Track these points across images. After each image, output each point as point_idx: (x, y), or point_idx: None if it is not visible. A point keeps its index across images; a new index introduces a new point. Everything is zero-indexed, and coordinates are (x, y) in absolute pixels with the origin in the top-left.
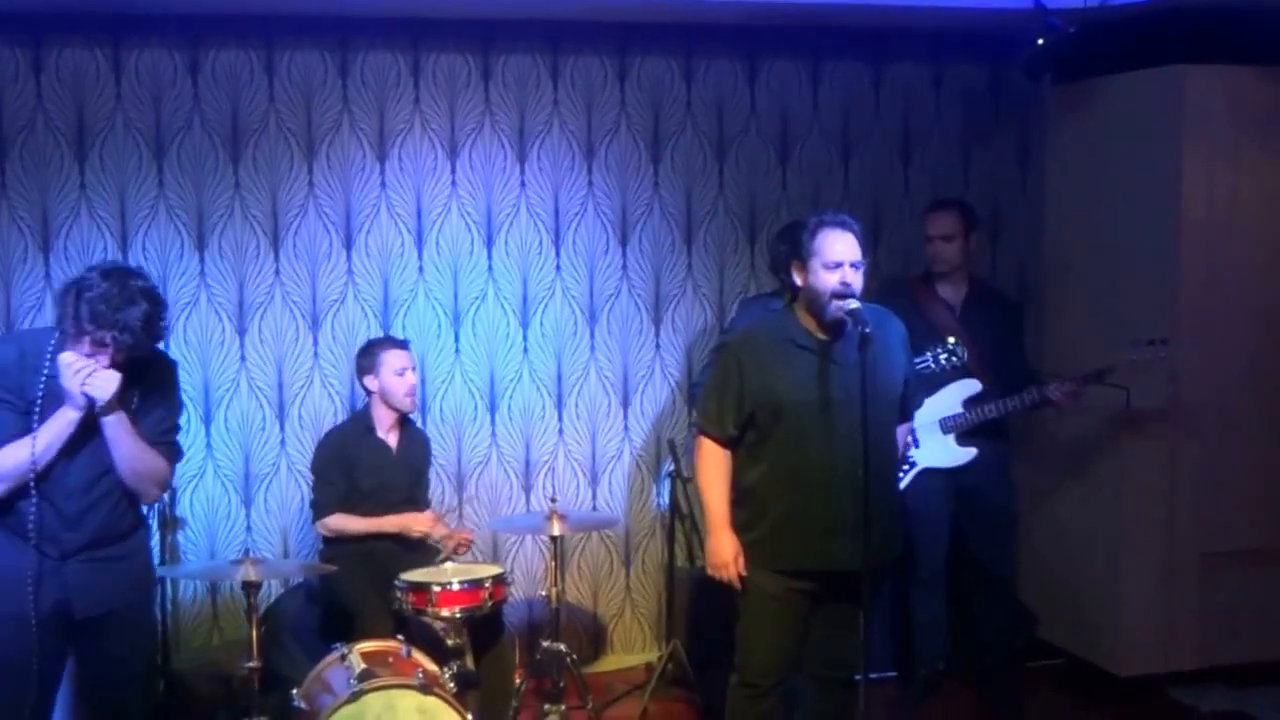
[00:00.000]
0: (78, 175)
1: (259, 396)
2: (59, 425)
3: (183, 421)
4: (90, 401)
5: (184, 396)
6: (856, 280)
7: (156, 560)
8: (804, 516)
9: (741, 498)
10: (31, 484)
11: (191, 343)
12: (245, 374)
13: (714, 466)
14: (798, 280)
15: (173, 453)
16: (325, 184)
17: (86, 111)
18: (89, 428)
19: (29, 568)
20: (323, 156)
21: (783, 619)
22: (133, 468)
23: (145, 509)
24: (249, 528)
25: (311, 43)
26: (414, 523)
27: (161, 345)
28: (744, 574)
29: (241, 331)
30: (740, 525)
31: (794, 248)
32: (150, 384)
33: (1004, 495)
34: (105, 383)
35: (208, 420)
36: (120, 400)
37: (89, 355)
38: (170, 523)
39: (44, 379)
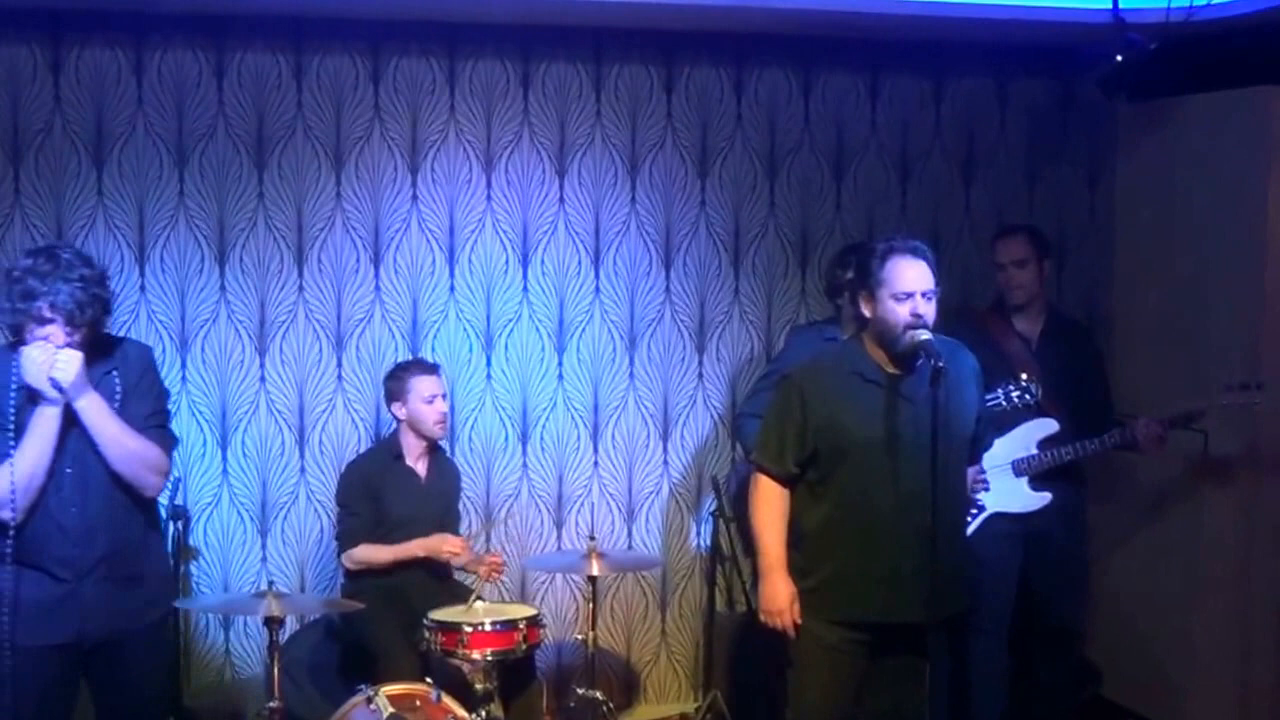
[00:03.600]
0: (95, 182)
1: (279, 420)
2: (43, 428)
3: (171, 407)
4: (59, 390)
5: (199, 419)
6: (929, 311)
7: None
8: (867, 564)
9: (798, 541)
10: (12, 501)
11: (209, 362)
12: (265, 396)
13: (771, 506)
14: (865, 311)
15: (165, 438)
16: (354, 196)
17: (106, 115)
18: (68, 428)
19: (44, 595)
20: (351, 167)
21: (838, 671)
22: (121, 454)
23: (163, 519)
24: (265, 559)
25: (342, 46)
26: (443, 543)
27: (124, 332)
28: (799, 622)
29: (262, 351)
30: (796, 570)
31: (862, 276)
32: (127, 373)
33: (1076, 543)
34: (68, 362)
35: (224, 444)
36: (99, 390)
37: (43, 340)
38: (184, 552)
39: (14, 390)
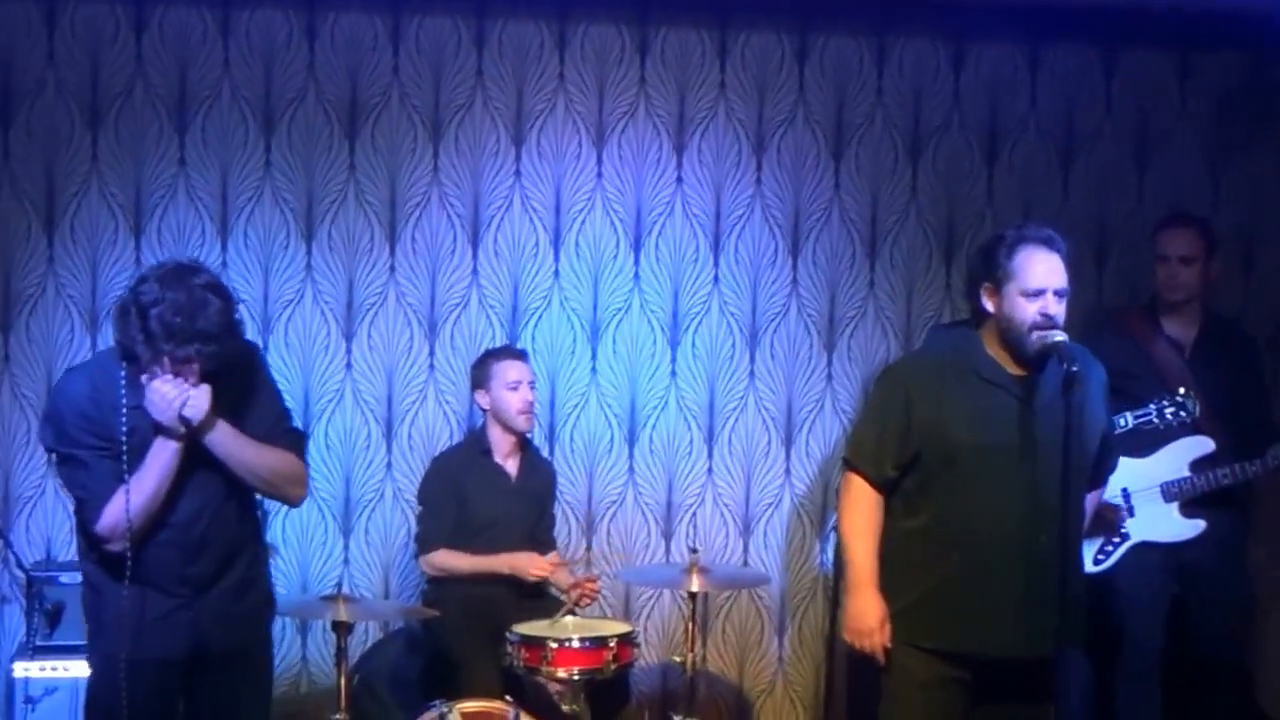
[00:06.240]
0: (177, 149)
1: (365, 411)
2: (165, 463)
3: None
4: (187, 424)
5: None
6: (1060, 312)
7: None
8: (965, 586)
9: (889, 556)
10: (127, 535)
11: (293, 345)
12: (350, 384)
13: (863, 513)
14: (988, 305)
15: (296, 440)
16: (452, 170)
17: (190, 77)
18: (187, 449)
19: (161, 611)
20: (450, 138)
21: (933, 714)
22: (261, 475)
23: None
24: (346, 560)
25: (443, 7)
26: (530, 564)
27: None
28: (889, 647)
29: (349, 335)
30: (884, 589)
31: (988, 266)
32: (241, 378)
33: (1238, 576)
34: (199, 400)
35: (305, 435)
36: (217, 410)
37: (174, 375)
38: None
39: (124, 412)
